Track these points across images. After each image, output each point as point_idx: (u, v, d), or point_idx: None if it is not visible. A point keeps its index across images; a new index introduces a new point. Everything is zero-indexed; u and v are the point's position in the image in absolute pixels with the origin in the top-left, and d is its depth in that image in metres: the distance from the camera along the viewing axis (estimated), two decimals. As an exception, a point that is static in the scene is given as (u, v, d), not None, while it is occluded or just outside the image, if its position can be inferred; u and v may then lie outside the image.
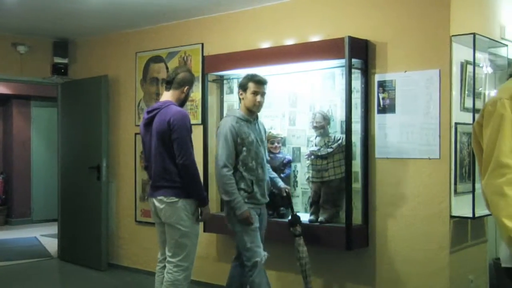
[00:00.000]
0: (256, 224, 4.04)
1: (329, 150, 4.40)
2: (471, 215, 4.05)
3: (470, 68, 4.16)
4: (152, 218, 4.10)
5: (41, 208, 9.84)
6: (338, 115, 4.55)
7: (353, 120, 4.30)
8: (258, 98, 4.05)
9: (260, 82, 4.07)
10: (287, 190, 4.38)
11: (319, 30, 4.65)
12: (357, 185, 4.42)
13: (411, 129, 4.21)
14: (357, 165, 4.42)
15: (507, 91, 2.06)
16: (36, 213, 9.94)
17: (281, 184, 4.39)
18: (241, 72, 5.03)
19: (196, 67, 5.44)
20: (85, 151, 6.54)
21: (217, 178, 4.14)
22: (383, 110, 4.34)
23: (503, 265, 2.13)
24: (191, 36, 5.62)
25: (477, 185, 4.02)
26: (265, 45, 4.93)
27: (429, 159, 4.13)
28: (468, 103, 4.17)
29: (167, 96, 4.00)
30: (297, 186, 4.85)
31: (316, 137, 4.52)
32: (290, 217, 4.32)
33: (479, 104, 4.25)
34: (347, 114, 4.26)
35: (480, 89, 4.37)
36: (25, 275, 6.27)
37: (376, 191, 4.38)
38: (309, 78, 4.76)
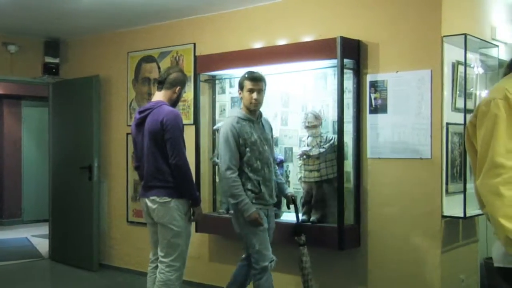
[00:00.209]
0: (265, 225, 3.96)
1: (321, 150, 4.41)
2: (462, 215, 4.07)
3: (461, 68, 4.18)
4: (144, 218, 4.09)
5: (32, 208, 9.79)
6: (330, 115, 4.56)
7: (345, 120, 4.31)
8: (254, 95, 3.95)
9: (254, 79, 3.97)
10: (294, 197, 4.28)
11: (311, 30, 4.66)
12: (349, 185, 4.43)
13: (403, 129, 4.22)
14: (349, 165, 4.43)
15: (501, 91, 2.07)
16: (27, 214, 9.89)
17: (288, 191, 4.33)
18: (233, 72, 5.05)
19: (188, 67, 5.43)
20: (76, 151, 6.51)
21: (222, 182, 4.06)
22: (375, 110, 4.35)
23: (495, 264, 2.14)
24: (183, 36, 5.61)
25: (468, 185, 4.04)
26: (257, 45, 4.93)
27: (421, 159, 4.14)
28: (460, 103, 4.18)
29: (159, 96, 4.00)
30: (289, 186, 4.85)
31: (308, 137, 4.52)
32: (295, 225, 4.24)
33: (470, 105, 4.27)
34: (339, 114, 4.27)
35: (471, 89, 4.38)
36: (16, 276, 6.24)
37: (368, 191, 4.39)
38: (301, 78, 4.77)
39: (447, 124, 4.12)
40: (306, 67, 4.61)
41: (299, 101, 4.80)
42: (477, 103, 4.33)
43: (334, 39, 4.25)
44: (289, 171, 4.86)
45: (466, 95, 4.16)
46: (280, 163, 4.76)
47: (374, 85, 4.35)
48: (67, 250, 6.63)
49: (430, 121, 4.09)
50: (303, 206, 4.55)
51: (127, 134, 5.98)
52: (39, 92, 8.24)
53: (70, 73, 6.73)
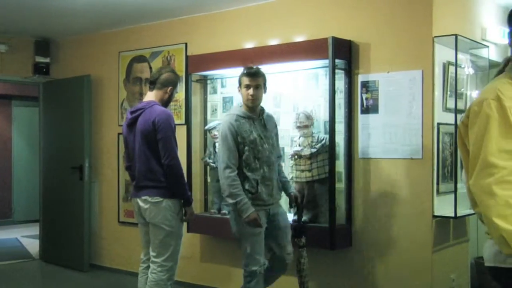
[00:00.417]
0: (259, 230, 3.82)
1: (313, 150, 4.41)
2: (453, 215, 4.08)
3: (452, 69, 4.20)
4: (136, 218, 4.08)
5: (22, 208, 9.73)
6: (322, 115, 4.57)
7: (336, 120, 4.32)
8: (251, 91, 3.83)
9: (250, 75, 3.86)
10: (297, 197, 4.15)
11: (303, 31, 4.66)
12: (340, 185, 4.44)
13: (394, 129, 4.23)
14: (340, 165, 4.44)
15: (493, 92, 2.07)
16: (17, 214, 9.83)
17: (291, 190, 4.17)
18: (225, 72, 5.05)
19: (180, 67, 5.42)
20: (67, 151, 6.49)
21: (221, 181, 3.90)
22: (366, 110, 4.36)
23: (486, 264, 2.14)
24: (175, 36, 5.60)
25: (459, 185, 4.06)
26: (249, 45, 4.93)
27: (412, 159, 4.16)
28: (450, 103, 4.20)
29: (150, 96, 3.99)
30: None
31: (299, 137, 4.52)
32: (295, 227, 4.12)
33: (461, 105, 4.29)
34: (330, 114, 4.28)
35: (462, 89, 4.41)
36: (6, 276, 6.20)
37: (360, 191, 4.41)
38: (293, 79, 4.77)
39: (438, 124, 4.13)
40: (297, 67, 4.62)
41: (290, 101, 4.80)
42: (468, 103, 4.37)
43: (325, 40, 4.26)
44: (281, 171, 4.86)
45: (457, 95, 4.18)
46: None
47: (365, 85, 4.36)
48: (57, 251, 6.59)
49: (421, 121, 4.11)
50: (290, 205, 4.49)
51: (119, 134, 5.96)
52: (30, 92, 8.21)
53: (61, 73, 6.70)
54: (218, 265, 5.29)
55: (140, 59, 5.91)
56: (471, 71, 4.49)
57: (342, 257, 4.47)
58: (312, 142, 4.45)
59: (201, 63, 5.04)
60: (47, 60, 6.73)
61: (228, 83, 5.15)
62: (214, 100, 5.26)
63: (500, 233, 1.94)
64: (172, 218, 3.85)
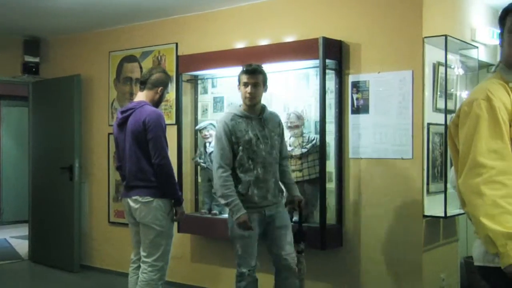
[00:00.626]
0: (253, 231, 3.73)
1: (304, 150, 4.42)
2: (443, 215, 4.10)
3: (442, 69, 4.22)
4: (126, 218, 4.06)
5: (11, 209, 9.65)
6: (312, 115, 4.57)
7: (327, 120, 4.33)
8: (249, 89, 3.71)
9: (248, 72, 3.75)
10: (300, 202, 3.95)
11: (294, 31, 4.67)
12: (331, 185, 4.44)
13: (385, 130, 4.25)
14: (331, 165, 4.45)
15: (483, 92, 2.09)
16: (6, 215, 9.74)
17: (296, 193, 3.97)
18: (216, 72, 5.05)
19: (170, 67, 5.40)
20: (57, 151, 6.45)
21: (214, 182, 3.85)
22: (357, 110, 4.37)
23: (475, 263, 2.16)
24: (165, 36, 5.59)
25: (449, 185, 4.08)
26: (240, 45, 4.93)
27: (402, 159, 4.17)
28: (440, 103, 4.22)
29: (141, 96, 3.98)
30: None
31: (290, 137, 4.53)
32: (296, 232, 3.94)
33: (451, 105, 4.32)
34: (321, 114, 4.28)
35: (452, 90, 4.43)
36: (-5, 277, 6.17)
37: (350, 191, 4.42)
38: (283, 79, 4.77)
39: (428, 124, 4.15)
40: (288, 67, 4.62)
41: (281, 101, 4.80)
42: (458, 103, 4.40)
43: (316, 40, 4.26)
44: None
45: (447, 96, 4.20)
46: None
47: (356, 85, 4.37)
48: (47, 251, 6.56)
49: (411, 121, 4.13)
50: (285, 206, 4.51)
51: (109, 134, 5.94)
52: (19, 91, 8.14)
53: (50, 72, 6.66)
54: (208, 265, 5.28)
55: (131, 59, 5.90)
56: (460, 71, 4.52)
57: (332, 257, 4.48)
58: (302, 142, 4.46)
59: (191, 63, 5.03)
60: (37, 59, 6.69)
61: (219, 83, 5.15)
62: (205, 100, 5.25)
63: (486, 233, 1.96)
64: (162, 218, 3.84)
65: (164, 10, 5.34)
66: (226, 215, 4.87)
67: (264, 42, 4.80)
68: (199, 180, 5.17)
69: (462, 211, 4.00)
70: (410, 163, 4.14)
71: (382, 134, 4.26)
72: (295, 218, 4.41)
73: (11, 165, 9.78)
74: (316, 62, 4.33)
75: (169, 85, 4.09)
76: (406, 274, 4.17)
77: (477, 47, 4.63)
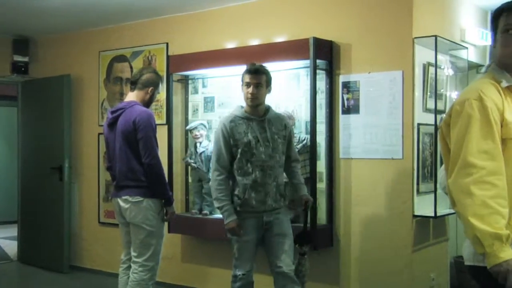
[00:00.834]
0: (247, 237, 3.66)
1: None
2: (433, 214, 4.12)
3: (432, 69, 4.23)
4: (116, 218, 4.05)
5: (0, 209, 9.59)
6: (303, 115, 4.58)
7: (317, 120, 4.34)
8: (250, 89, 3.62)
9: (250, 72, 3.65)
10: (308, 202, 3.82)
11: (284, 31, 4.67)
12: (321, 185, 4.45)
13: (375, 130, 4.26)
14: (321, 165, 4.45)
15: (475, 92, 2.09)
16: (-5, 215, 9.69)
17: (303, 193, 3.83)
18: (206, 72, 5.04)
19: (161, 67, 5.39)
20: (46, 151, 6.41)
21: (210, 184, 3.82)
22: (347, 110, 4.38)
23: (466, 263, 2.16)
24: (156, 36, 5.57)
25: (438, 186, 4.10)
26: (231, 45, 4.92)
27: (392, 159, 4.19)
28: (430, 104, 4.24)
29: (131, 96, 3.97)
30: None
31: (281, 137, 4.52)
32: (300, 233, 3.83)
33: (440, 105, 4.34)
34: (311, 114, 4.29)
35: (442, 90, 4.45)
36: (-16, 278, 6.12)
37: (341, 191, 4.43)
38: (274, 79, 4.75)
39: (418, 124, 4.17)
40: (279, 67, 4.61)
41: (272, 102, 4.76)
42: (448, 104, 4.42)
43: (306, 40, 4.27)
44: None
45: (437, 96, 4.21)
46: None
47: (346, 85, 4.38)
48: (36, 252, 6.52)
49: (401, 122, 4.14)
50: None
51: (99, 134, 5.92)
52: (8, 91, 8.09)
53: (40, 72, 6.62)
54: (199, 266, 5.27)
55: (121, 58, 5.87)
56: (450, 72, 4.54)
57: (323, 257, 4.48)
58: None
59: (182, 63, 5.02)
60: (26, 59, 6.64)
61: (210, 83, 5.14)
62: (195, 100, 5.24)
63: (474, 233, 1.96)
64: (153, 218, 3.83)
65: (154, 10, 5.33)
66: (216, 216, 4.88)
67: (254, 42, 4.80)
68: (190, 180, 5.16)
69: (452, 211, 4.01)
70: (400, 163, 4.16)
71: (373, 134, 4.27)
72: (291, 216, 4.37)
73: (0, 165, 9.71)
74: (306, 62, 4.33)
75: (160, 85, 4.08)
76: (396, 273, 4.19)
77: (467, 48, 4.66)
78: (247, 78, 3.67)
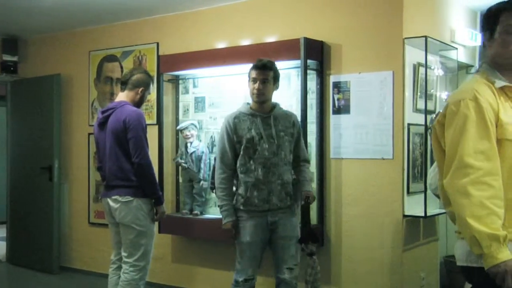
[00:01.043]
0: (249, 238, 3.59)
1: (285, 150, 4.40)
2: (423, 214, 4.13)
3: (422, 70, 4.25)
4: (106, 218, 4.04)
5: (-11, 210, 9.53)
6: (294, 115, 4.57)
7: (308, 120, 4.34)
8: (256, 85, 3.56)
9: (257, 67, 3.59)
10: (308, 198, 3.66)
11: (275, 31, 4.67)
12: (312, 185, 4.45)
13: (365, 130, 4.27)
14: (312, 165, 4.45)
15: (470, 92, 2.08)
16: (-16, 216, 9.61)
17: (305, 189, 3.72)
18: (197, 72, 5.03)
19: (151, 67, 5.37)
20: (36, 152, 6.38)
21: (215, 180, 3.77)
22: (338, 111, 4.39)
23: (458, 263, 2.15)
24: (146, 35, 5.55)
25: (428, 187, 4.11)
26: (221, 45, 4.92)
27: (383, 159, 4.20)
28: (420, 104, 4.26)
29: (122, 96, 3.96)
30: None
31: (272, 137, 4.51)
32: (302, 231, 3.67)
33: (431, 106, 4.35)
34: (302, 114, 4.29)
35: (432, 90, 4.47)
36: (-28, 279, 6.08)
37: (331, 191, 4.43)
38: (265, 79, 4.76)
39: (409, 124, 4.18)
40: (270, 67, 4.61)
41: (263, 102, 4.79)
42: (438, 104, 4.43)
43: (297, 40, 4.27)
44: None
45: (427, 96, 4.23)
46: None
47: (337, 86, 4.39)
48: (26, 253, 6.47)
49: (392, 122, 4.15)
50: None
51: (89, 134, 5.89)
52: (-3, 91, 8.03)
53: (29, 71, 6.58)
54: (189, 266, 5.26)
55: (111, 58, 5.85)
56: (440, 72, 4.56)
57: (314, 257, 4.48)
58: (284, 142, 4.44)
59: (172, 63, 5.01)
60: (15, 58, 6.60)
61: (200, 83, 5.13)
62: (186, 100, 5.23)
63: (472, 234, 1.95)
64: (143, 218, 3.82)
65: (145, 9, 5.31)
66: (207, 216, 4.88)
67: (245, 42, 4.80)
68: (180, 180, 5.15)
69: (442, 211, 4.04)
70: (390, 163, 4.17)
71: (363, 134, 4.28)
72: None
73: (-12, 165, 9.63)
74: (297, 62, 4.34)
75: (151, 86, 4.07)
76: (386, 273, 4.20)
77: (457, 48, 4.68)
78: (254, 74, 3.61)
